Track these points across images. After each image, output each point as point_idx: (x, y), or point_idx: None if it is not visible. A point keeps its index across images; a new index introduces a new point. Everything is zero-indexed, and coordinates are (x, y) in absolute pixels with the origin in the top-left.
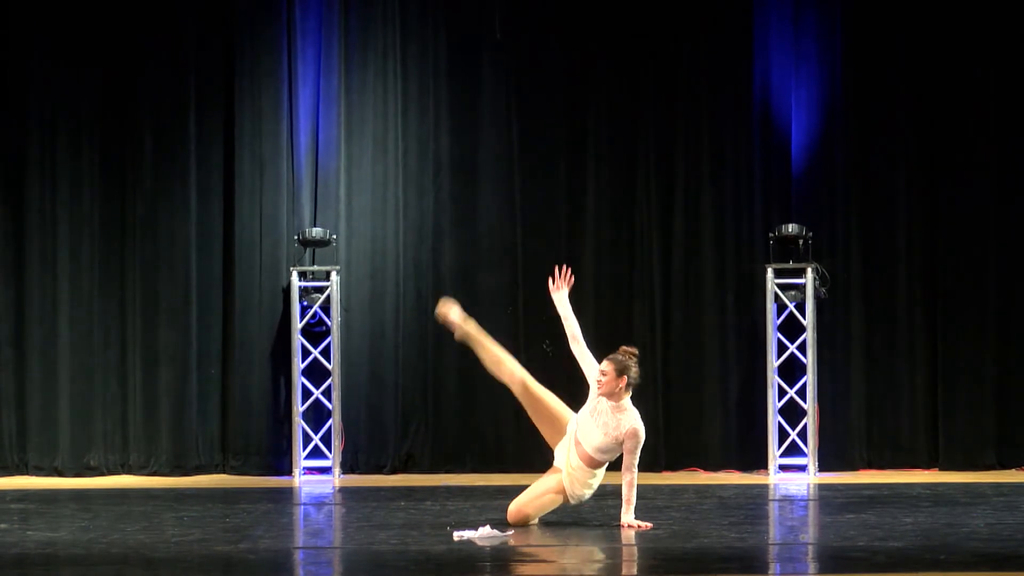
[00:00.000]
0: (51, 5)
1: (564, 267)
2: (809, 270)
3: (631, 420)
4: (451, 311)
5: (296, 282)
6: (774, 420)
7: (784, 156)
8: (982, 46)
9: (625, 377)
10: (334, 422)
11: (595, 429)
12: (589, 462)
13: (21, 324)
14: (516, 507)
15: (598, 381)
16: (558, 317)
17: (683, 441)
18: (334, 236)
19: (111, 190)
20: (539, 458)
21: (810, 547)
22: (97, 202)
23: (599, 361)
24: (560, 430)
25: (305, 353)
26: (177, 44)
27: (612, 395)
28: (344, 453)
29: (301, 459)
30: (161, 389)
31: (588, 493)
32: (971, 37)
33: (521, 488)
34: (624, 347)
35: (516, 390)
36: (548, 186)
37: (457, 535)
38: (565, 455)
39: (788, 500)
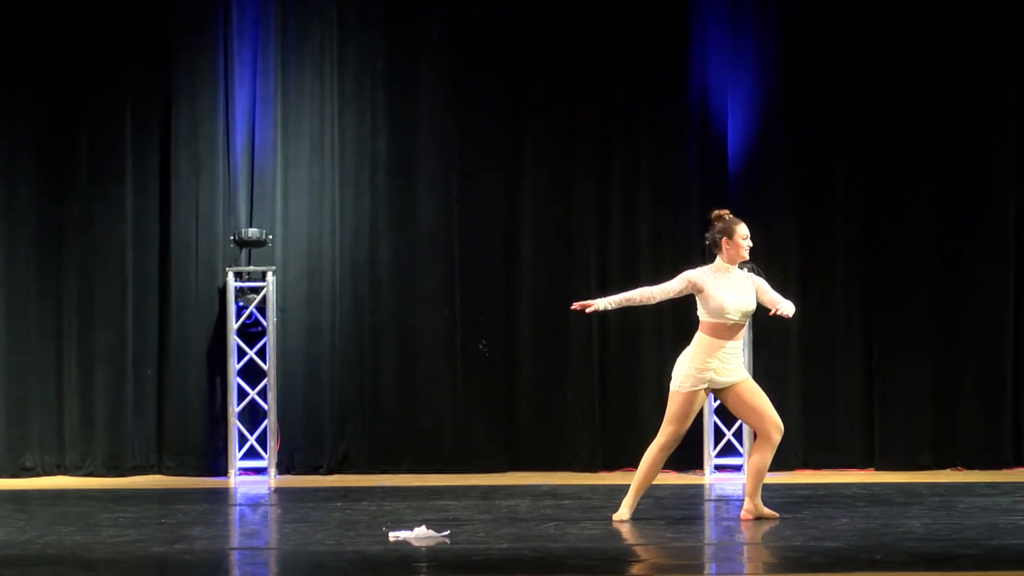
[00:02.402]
0: None
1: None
2: (745, 270)
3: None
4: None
5: (232, 282)
6: (710, 420)
7: (721, 155)
8: (919, 43)
9: None
10: (270, 422)
11: (750, 297)
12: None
13: None
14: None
15: (748, 248)
16: (495, 317)
17: (620, 441)
18: (270, 236)
19: (47, 190)
20: (475, 458)
21: (746, 547)
22: (33, 202)
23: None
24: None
25: (241, 353)
26: (114, 44)
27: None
28: (280, 453)
29: (237, 459)
30: (97, 389)
31: None
32: (908, 34)
33: (458, 488)
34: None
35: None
36: (485, 186)
37: (393, 535)
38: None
39: (724, 500)
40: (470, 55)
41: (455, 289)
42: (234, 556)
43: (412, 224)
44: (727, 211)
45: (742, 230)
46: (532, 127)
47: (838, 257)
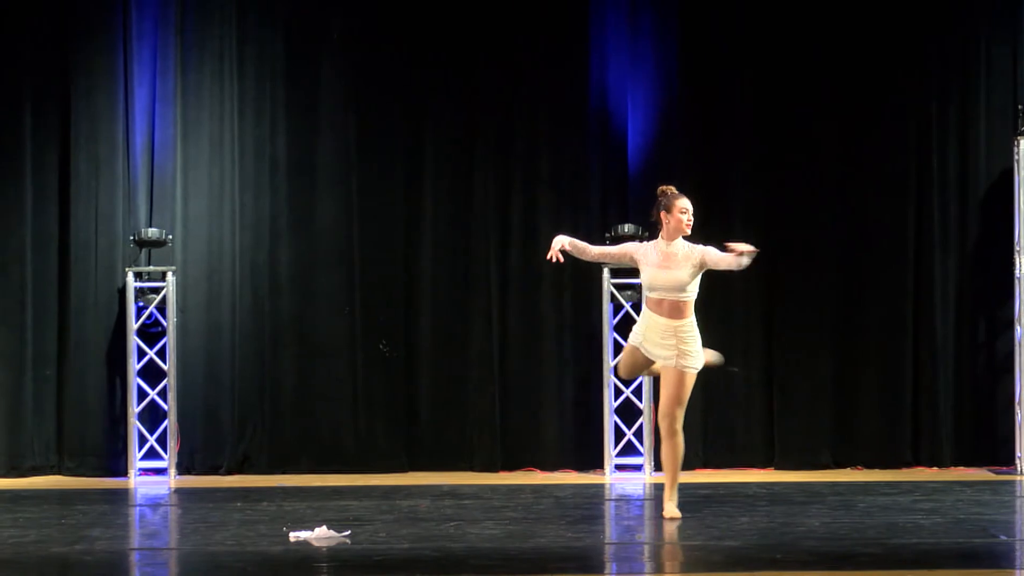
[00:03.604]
0: None
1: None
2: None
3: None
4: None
5: (132, 283)
6: (610, 420)
7: (621, 156)
8: (820, 47)
9: None
10: (170, 423)
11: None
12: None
13: None
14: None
15: (687, 223)
16: (395, 317)
17: (520, 441)
18: (170, 237)
19: None
20: (376, 458)
21: (646, 547)
22: None
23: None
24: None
25: (141, 354)
26: (12, 43)
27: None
28: (180, 454)
29: (137, 460)
30: None
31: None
32: (808, 38)
33: (359, 488)
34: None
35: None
36: (386, 187)
37: (293, 536)
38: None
39: (624, 499)
40: (370, 55)
41: (355, 289)
42: (134, 557)
43: (312, 225)
44: (671, 186)
45: (682, 204)
46: (432, 128)
47: None
